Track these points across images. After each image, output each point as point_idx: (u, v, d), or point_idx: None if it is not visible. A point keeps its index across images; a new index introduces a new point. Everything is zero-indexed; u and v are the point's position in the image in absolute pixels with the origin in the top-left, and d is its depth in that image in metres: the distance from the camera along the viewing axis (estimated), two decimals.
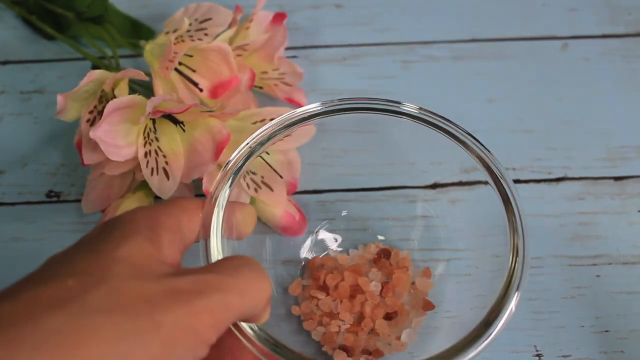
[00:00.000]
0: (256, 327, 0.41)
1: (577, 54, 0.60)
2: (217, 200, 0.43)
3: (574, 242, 0.51)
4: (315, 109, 0.46)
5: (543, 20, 0.61)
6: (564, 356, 0.47)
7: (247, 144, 0.45)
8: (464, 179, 0.49)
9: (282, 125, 0.45)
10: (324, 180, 0.52)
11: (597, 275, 0.50)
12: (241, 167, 0.44)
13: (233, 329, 0.39)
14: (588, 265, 0.50)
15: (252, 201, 0.49)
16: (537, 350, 0.47)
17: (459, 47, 0.60)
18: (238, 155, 0.45)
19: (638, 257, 0.50)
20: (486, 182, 0.45)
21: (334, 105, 0.46)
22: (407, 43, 0.60)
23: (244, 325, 0.41)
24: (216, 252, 0.42)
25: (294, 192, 0.51)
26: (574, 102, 0.57)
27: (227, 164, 0.44)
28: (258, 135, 0.45)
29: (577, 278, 0.50)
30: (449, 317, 0.46)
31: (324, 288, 0.47)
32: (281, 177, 0.50)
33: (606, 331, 0.48)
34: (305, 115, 0.46)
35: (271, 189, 0.49)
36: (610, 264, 0.50)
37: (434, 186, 0.51)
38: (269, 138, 0.45)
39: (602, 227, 0.52)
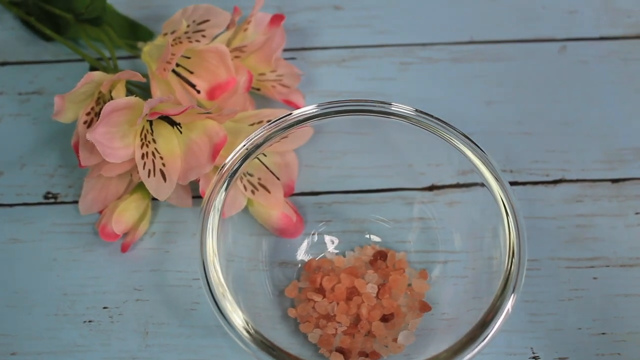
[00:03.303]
0: (252, 330, 0.41)
1: (576, 56, 0.60)
2: (213, 203, 0.44)
3: (571, 245, 0.51)
4: (312, 111, 0.46)
5: (542, 22, 0.61)
6: (560, 358, 0.47)
7: (244, 145, 0.45)
8: (461, 181, 0.49)
9: (278, 128, 0.46)
10: (321, 182, 0.52)
11: (595, 278, 0.50)
12: (237, 169, 0.45)
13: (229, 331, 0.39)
14: (585, 268, 0.50)
15: (249, 203, 0.49)
16: (533, 353, 0.47)
17: (458, 49, 0.60)
18: (234, 158, 0.45)
19: (635, 259, 0.50)
20: (483, 184, 0.45)
21: (331, 107, 0.46)
22: (406, 45, 0.60)
23: (239, 327, 0.41)
24: (212, 253, 0.43)
25: (291, 194, 0.51)
26: (572, 104, 0.57)
27: (223, 166, 0.44)
28: (254, 137, 0.45)
29: (574, 280, 0.50)
30: (445, 319, 0.46)
31: (321, 290, 0.48)
32: (278, 179, 0.50)
33: (603, 333, 0.48)
34: (302, 117, 0.46)
35: (268, 191, 0.49)
36: (607, 266, 0.50)
37: (431, 188, 0.51)
38: (266, 140, 0.45)
39: (599, 229, 0.52)
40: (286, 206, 0.49)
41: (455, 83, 0.58)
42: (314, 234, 0.51)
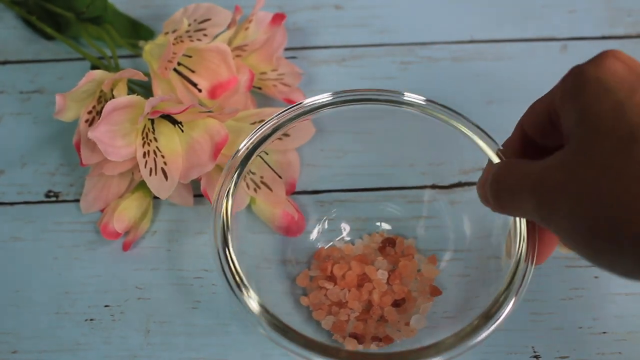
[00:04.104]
0: (267, 315, 0.41)
1: (577, 56, 0.59)
2: (228, 186, 0.44)
3: None
4: (326, 99, 0.46)
5: (542, 21, 0.61)
6: (561, 357, 0.47)
7: (258, 130, 0.45)
8: (463, 180, 0.49)
9: (293, 115, 0.46)
10: (323, 180, 0.52)
11: (595, 277, 0.50)
12: (252, 153, 0.45)
13: None
14: (586, 267, 0.50)
15: (252, 201, 0.49)
16: (534, 352, 0.47)
17: (458, 48, 0.60)
18: (249, 143, 0.45)
19: None
20: None
21: (344, 96, 0.46)
22: (407, 44, 0.60)
23: (254, 310, 0.41)
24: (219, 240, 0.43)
25: (292, 192, 0.51)
26: None
27: (237, 151, 0.45)
28: (269, 123, 0.45)
29: (575, 279, 0.50)
30: (447, 317, 0.46)
31: (332, 278, 0.48)
32: (280, 177, 0.50)
33: (604, 333, 0.48)
34: (316, 105, 0.46)
35: (270, 189, 0.49)
36: None
37: (433, 187, 0.51)
38: (277, 129, 0.45)
39: None
40: (288, 204, 0.49)
41: (455, 82, 0.58)
42: (322, 224, 0.51)
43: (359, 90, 0.47)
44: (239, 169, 0.44)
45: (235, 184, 0.44)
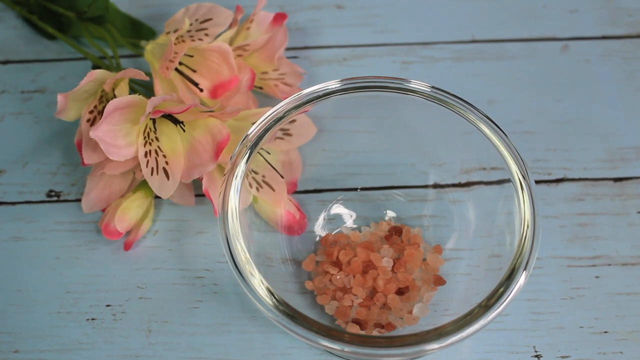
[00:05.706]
0: (274, 299, 0.41)
1: (578, 56, 0.60)
2: (235, 171, 0.44)
3: (574, 243, 0.51)
4: (334, 86, 0.47)
5: (543, 21, 0.61)
6: (562, 357, 0.47)
7: (271, 114, 0.46)
8: (464, 180, 0.49)
9: (301, 101, 0.46)
10: (325, 180, 0.52)
11: (597, 276, 0.50)
12: (261, 137, 0.45)
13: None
14: (587, 266, 0.50)
15: (254, 200, 0.50)
16: (536, 351, 0.47)
17: (459, 48, 0.60)
18: (257, 129, 0.45)
19: (637, 258, 0.50)
20: (486, 183, 0.46)
21: (353, 83, 0.47)
22: (408, 44, 0.60)
23: (262, 294, 0.41)
24: (232, 222, 0.43)
25: (294, 191, 0.51)
26: (574, 103, 0.57)
27: (245, 136, 0.45)
28: (276, 110, 0.46)
29: (576, 279, 0.50)
30: (448, 315, 0.46)
31: (337, 264, 0.48)
32: (282, 177, 0.50)
33: (605, 332, 0.48)
34: (324, 91, 0.47)
35: (272, 189, 0.49)
36: (609, 265, 0.50)
37: (435, 186, 0.51)
38: (286, 113, 0.46)
39: (601, 228, 0.52)
40: (289, 204, 0.49)
41: (456, 82, 0.58)
42: (330, 209, 0.51)
43: (366, 78, 0.47)
44: (249, 152, 0.45)
45: (249, 157, 0.45)
